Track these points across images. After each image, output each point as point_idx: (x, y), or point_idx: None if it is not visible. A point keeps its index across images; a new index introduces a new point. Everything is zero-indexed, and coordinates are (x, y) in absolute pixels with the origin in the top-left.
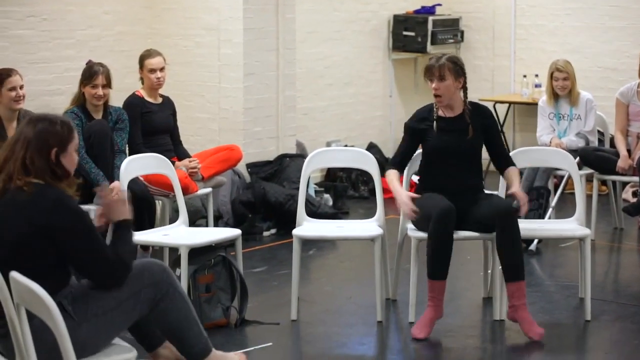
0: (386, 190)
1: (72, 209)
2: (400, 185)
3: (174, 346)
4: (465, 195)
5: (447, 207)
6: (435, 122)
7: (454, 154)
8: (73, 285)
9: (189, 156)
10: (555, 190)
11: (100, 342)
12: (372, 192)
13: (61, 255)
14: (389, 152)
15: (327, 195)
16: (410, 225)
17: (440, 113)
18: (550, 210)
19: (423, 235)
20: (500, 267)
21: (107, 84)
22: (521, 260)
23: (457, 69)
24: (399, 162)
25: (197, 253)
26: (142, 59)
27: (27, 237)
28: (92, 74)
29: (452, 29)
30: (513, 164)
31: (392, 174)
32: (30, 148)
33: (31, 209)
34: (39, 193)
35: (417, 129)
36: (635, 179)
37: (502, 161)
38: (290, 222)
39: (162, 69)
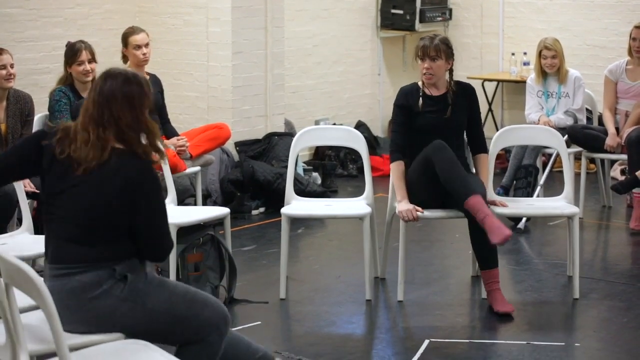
0: (375, 168)
1: (154, 177)
2: (403, 187)
3: None
4: None
5: (437, 143)
6: (421, 98)
7: (437, 131)
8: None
9: (177, 135)
10: (544, 169)
11: (132, 330)
12: (361, 170)
13: (132, 221)
14: (378, 130)
15: (315, 174)
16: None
17: (426, 91)
18: (538, 188)
19: None
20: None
21: (92, 59)
22: (495, 249)
23: (449, 51)
24: (401, 147)
25: (186, 232)
26: (126, 37)
27: (110, 208)
28: (75, 51)
29: (440, 6)
30: (485, 151)
31: (395, 169)
32: (122, 109)
33: (120, 176)
34: (125, 162)
35: (406, 105)
36: (624, 156)
37: (475, 146)
38: (278, 200)
39: (147, 45)
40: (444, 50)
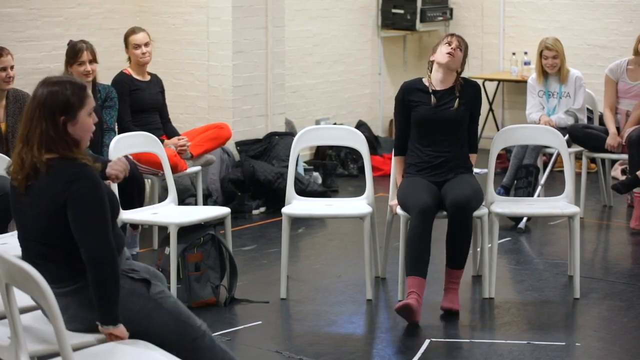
0: (375, 168)
1: (87, 179)
2: (398, 180)
3: None
4: (448, 168)
5: (424, 207)
6: (431, 94)
7: (441, 124)
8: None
9: (178, 134)
10: (545, 168)
11: (137, 326)
12: (361, 170)
13: (70, 223)
14: (378, 130)
15: (316, 174)
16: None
17: (431, 86)
18: (539, 188)
19: None
20: (446, 252)
21: (93, 59)
22: (467, 251)
23: (467, 51)
24: (403, 143)
25: (187, 231)
26: (127, 37)
27: (52, 220)
28: (76, 51)
29: (441, 6)
30: (474, 151)
31: (395, 163)
32: (43, 117)
33: (50, 189)
34: (56, 171)
35: (408, 100)
36: (624, 156)
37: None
38: (279, 200)
39: (146, 44)
40: (464, 48)
